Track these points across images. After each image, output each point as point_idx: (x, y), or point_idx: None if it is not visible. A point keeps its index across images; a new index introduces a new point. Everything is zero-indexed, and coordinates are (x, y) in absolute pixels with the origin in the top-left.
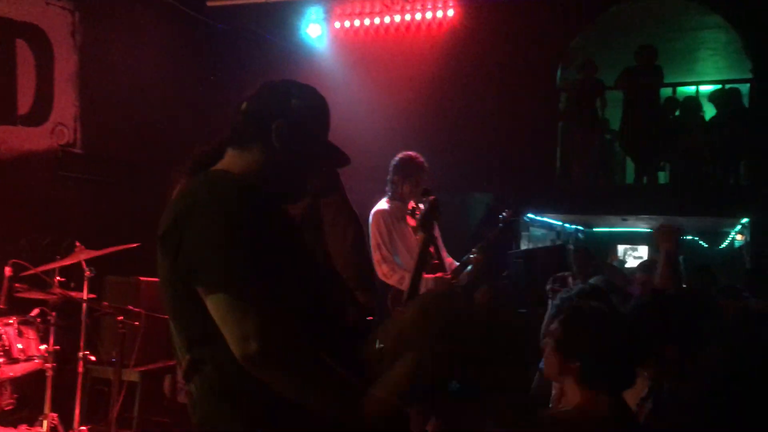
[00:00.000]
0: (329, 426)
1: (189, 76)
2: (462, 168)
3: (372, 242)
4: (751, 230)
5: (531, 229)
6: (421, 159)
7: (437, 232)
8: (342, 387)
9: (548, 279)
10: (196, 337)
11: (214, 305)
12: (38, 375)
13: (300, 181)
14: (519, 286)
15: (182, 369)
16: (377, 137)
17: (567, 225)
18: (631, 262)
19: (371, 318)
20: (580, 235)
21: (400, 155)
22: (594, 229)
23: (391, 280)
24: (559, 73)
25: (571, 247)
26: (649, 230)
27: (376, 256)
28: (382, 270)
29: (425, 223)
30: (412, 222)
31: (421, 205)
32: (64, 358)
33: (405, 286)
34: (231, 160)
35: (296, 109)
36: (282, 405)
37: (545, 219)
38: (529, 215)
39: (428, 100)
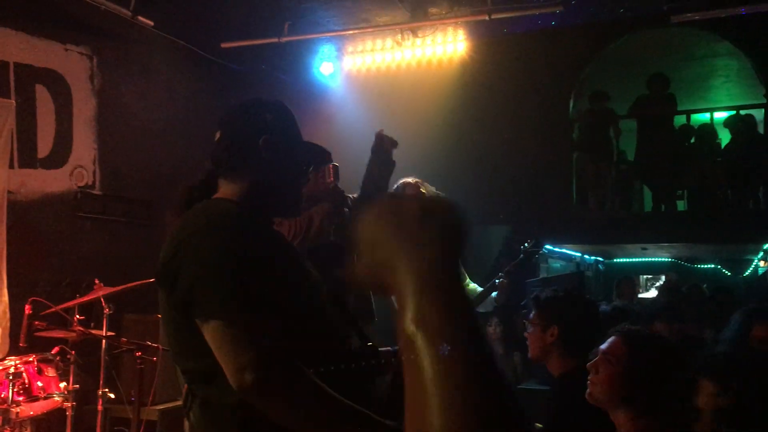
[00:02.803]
0: None
1: (203, 116)
2: (478, 201)
3: None
4: None
5: (549, 260)
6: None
7: None
8: (346, 415)
9: None
10: (195, 368)
11: (210, 334)
12: (58, 414)
13: (297, 190)
14: None
15: (182, 398)
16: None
17: (586, 256)
18: (653, 293)
19: (376, 349)
20: (600, 266)
21: (400, 182)
22: (614, 260)
23: None
24: (571, 103)
25: (589, 274)
26: (669, 259)
27: None
28: None
29: None
30: None
31: None
32: (83, 397)
33: None
34: (225, 189)
35: (273, 122)
36: None
37: (564, 250)
38: (548, 247)
39: (442, 135)
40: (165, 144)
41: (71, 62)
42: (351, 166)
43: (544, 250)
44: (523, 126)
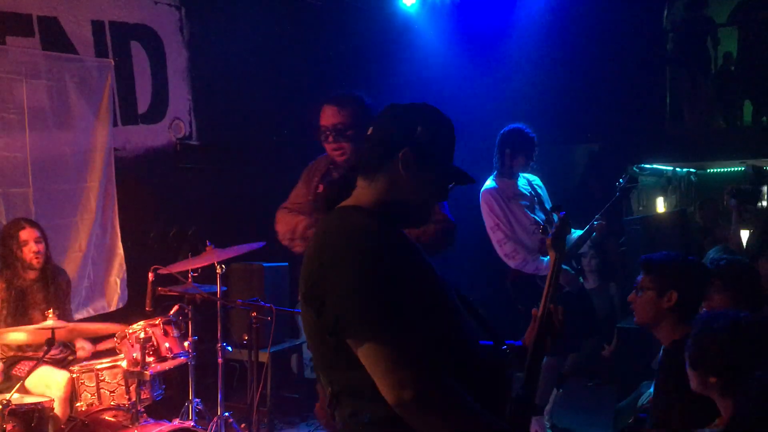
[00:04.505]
0: None
1: (288, 55)
2: (566, 119)
3: (488, 223)
4: None
5: (641, 178)
6: (530, 131)
7: None
8: (491, 428)
9: (667, 245)
10: (342, 380)
11: (364, 355)
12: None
13: (426, 207)
14: (637, 252)
15: (327, 396)
16: (477, 102)
17: (678, 169)
18: None
19: (505, 347)
20: (692, 177)
21: (508, 128)
22: (708, 171)
23: (514, 261)
24: (665, 12)
25: (692, 209)
26: None
27: (496, 236)
28: (504, 250)
29: (558, 242)
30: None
31: (549, 222)
32: (200, 344)
33: (527, 269)
34: (361, 191)
35: (422, 136)
36: None
37: (654, 166)
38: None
39: (528, 58)
40: (254, 87)
41: (161, 15)
42: (433, 96)
43: (634, 168)
44: (614, 40)
